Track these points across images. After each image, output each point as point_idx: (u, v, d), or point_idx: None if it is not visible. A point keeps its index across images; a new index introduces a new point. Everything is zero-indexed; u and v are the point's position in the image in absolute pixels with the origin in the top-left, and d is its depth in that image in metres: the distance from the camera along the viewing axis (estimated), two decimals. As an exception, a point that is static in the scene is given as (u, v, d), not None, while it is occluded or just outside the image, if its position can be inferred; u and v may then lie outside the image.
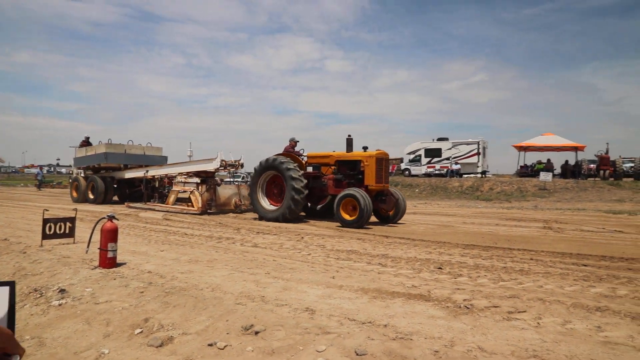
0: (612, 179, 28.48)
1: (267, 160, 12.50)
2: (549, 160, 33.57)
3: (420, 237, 9.13)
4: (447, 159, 34.36)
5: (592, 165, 32.04)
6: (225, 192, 15.35)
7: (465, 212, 16.60)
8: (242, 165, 15.62)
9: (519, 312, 4.10)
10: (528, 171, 32.57)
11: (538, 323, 3.80)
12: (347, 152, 12.54)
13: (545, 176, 26.06)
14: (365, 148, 12.25)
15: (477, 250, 7.53)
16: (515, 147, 33.73)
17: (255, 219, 12.71)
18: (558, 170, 33.03)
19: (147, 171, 17.53)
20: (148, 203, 16.71)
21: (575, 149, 32.50)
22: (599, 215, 16.10)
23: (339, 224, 11.25)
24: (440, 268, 6.00)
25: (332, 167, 12.83)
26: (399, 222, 12.19)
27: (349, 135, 12.72)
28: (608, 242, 8.91)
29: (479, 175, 32.61)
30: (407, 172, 37.02)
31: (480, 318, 3.93)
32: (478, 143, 33.69)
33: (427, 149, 37.04)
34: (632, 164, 30.27)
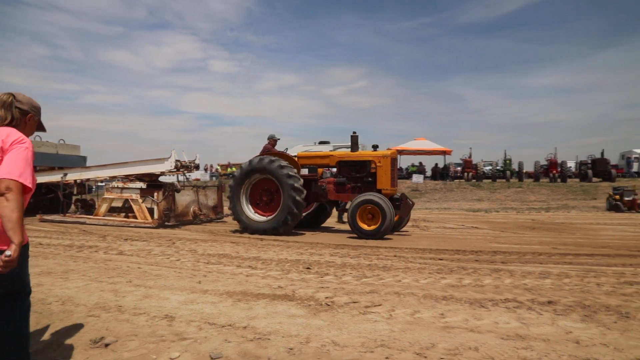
0: (474, 180, 31.55)
1: (257, 160, 10.53)
2: (420, 163, 36.34)
3: (294, 239, 9.29)
4: (329, 162, 35.33)
5: (458, 168, 35.28)
6: (182, 199, 12.81)
7: (344, 213, 17.21)
8: (197, 167, 13.27)
9: (375, 305, 4.33)
10: (403, 173, 34.80)
11: (390, 315, 4.04)
12: (352, 151, 11.10)
13: (417, 178, 28.00)
14: (375, 147, 10.95)
15: (347, 250, 7.84)
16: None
17: (236, 231, 10.96)
18: (429, 173, 35.82)
19: (65, 174, 14.01)
20: (69, 215, 13.61)
21: (444, 152, 35.53)
22: (461, 213, 17.71)
23: (351, 235, 9.96)
24: (308, 268, 6.14)
25: (322, 170, 11.65)
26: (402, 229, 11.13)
27: (354, 132, 11.08)
28: (464, 238, 9.83)
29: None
30: (290, 175, 37.44)
31: (338, 314, 4.08)
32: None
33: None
34: (490, 167, 33.92)
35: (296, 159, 11.33)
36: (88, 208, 14.18)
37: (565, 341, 3.34)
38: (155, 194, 12.01)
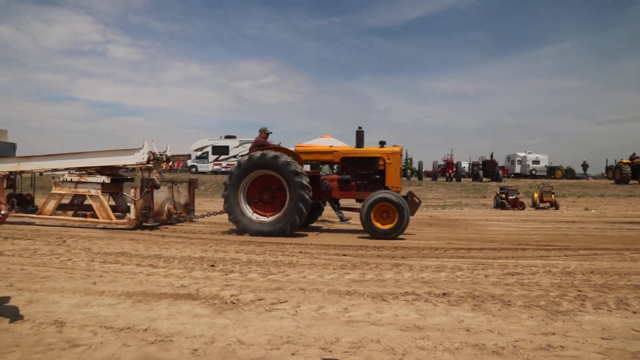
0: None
1: (259, 156, 9.49)
2: (327, 161, 37.06)
3: (199, 236, 9.04)
4: (235, 156, 34.88)
5: (363, 166, 36.48)
6: (157, 196, 10.75)
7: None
8: (168, 159, 11.63)
9: (281, 302, 4.34)
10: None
11: (296, 311, 4.07)
12: (357, 147, 10.52)
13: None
14: (382, 143, 10.46)
15: (253, 246, 7.78)
16: (297, 147, 36.26)
17: (226, 232, 10.00)
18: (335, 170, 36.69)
19: None
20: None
21: (349, 151, 36.56)
22: (364, 210, 18.24)
23: (362, 234, 9.54)
24: (213, 265, 6.01)
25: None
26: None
27: (360, 127, 10.52)
28: (367, 234, 10.14)
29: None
30: (194, 168, 36.76)
31: (244, 312, 4.03)
32: (264, 143, 35.09)
33: (215, 146, 37.41)
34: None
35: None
36: (25, 205, 12.12)
37: (458, 329, 3.59)
38: (133, 190, 10.21)
